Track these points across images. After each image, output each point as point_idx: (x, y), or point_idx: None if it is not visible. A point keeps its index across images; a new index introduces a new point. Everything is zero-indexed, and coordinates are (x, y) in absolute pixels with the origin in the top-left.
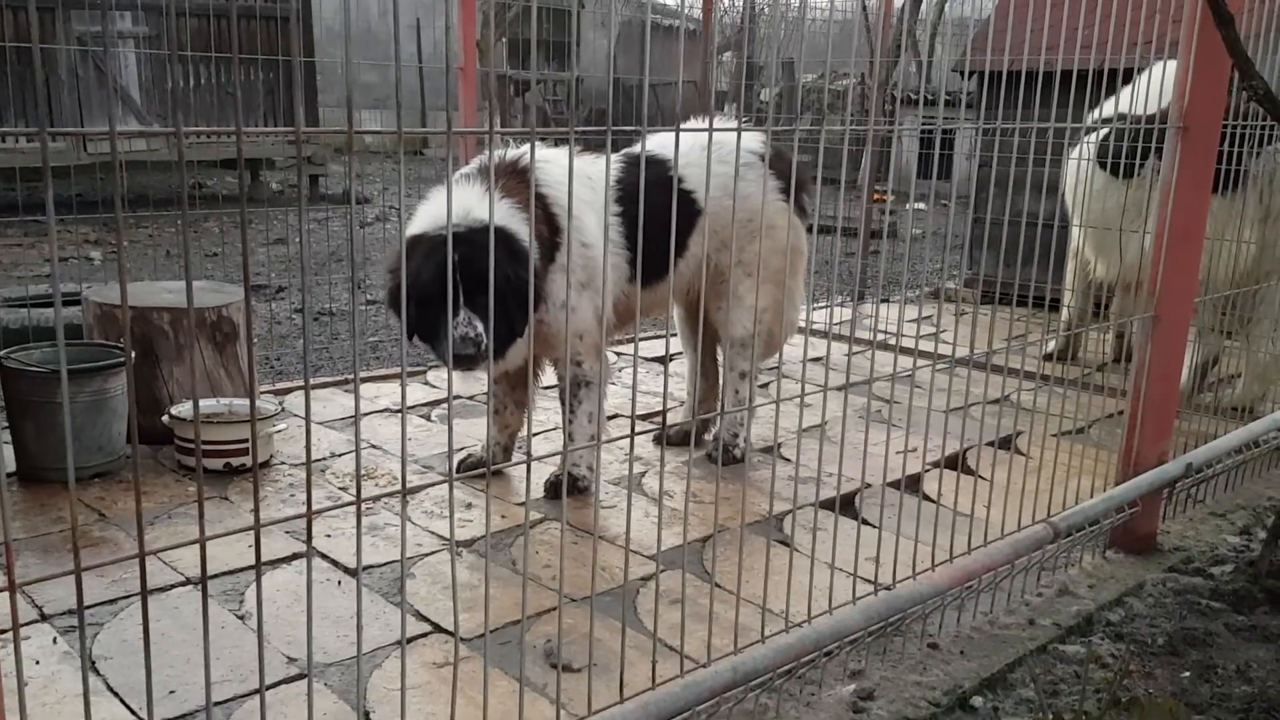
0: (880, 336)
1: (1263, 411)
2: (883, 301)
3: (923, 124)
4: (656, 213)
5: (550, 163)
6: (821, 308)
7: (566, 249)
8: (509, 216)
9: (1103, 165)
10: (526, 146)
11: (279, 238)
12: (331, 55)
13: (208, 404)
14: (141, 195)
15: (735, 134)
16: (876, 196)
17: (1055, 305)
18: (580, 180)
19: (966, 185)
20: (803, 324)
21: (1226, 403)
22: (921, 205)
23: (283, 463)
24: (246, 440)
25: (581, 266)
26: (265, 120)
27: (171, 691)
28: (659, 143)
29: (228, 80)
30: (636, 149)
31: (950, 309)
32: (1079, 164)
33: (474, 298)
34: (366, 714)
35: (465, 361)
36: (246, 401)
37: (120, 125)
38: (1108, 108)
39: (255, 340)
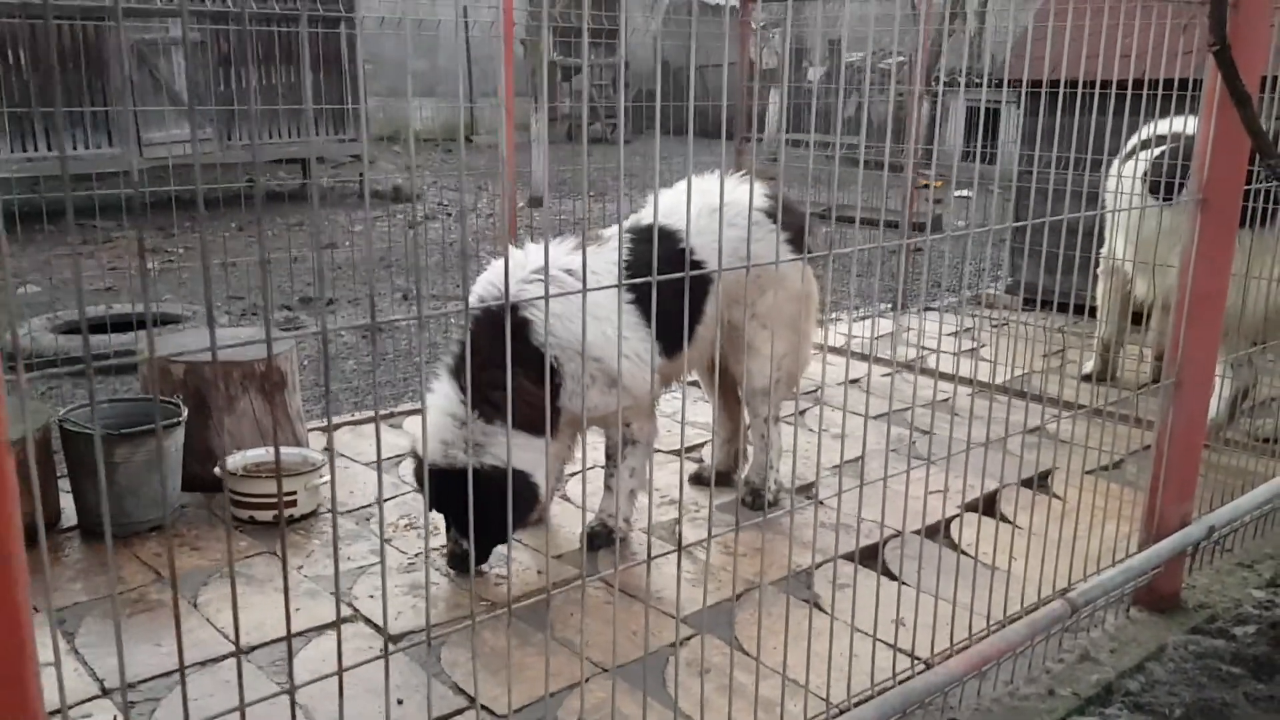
0: (917, 354)
1: None
2: (923, 310)
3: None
4: (671, 292)
5: (553, 285)
6: (861, 318)
7: (581, 371)
8: (489, 445)
9: (1153, 190)
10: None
11: (330, 242)
12: (378, 47)
13: (257, 453)
14: (194, 199)
15: (742, 192)
16: (923, 183)
17: (1095, 312)
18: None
19: (1009, 172)
20: (839, 342)
21: (1261, 434)
22: (967, 193)
23: (330, 511)
24: (295, 492)
25: (602, 374)
26: (315, 120)
27: None
28: (667, 208)
29: (278, 83)
30: (644, 218)
31: (989, 316)
32: (1119, 181)
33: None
34: None
35: (456, 568)
36: (295, 450)
37: (171, 129)
38: (1153, 128)
39: (304, 364)
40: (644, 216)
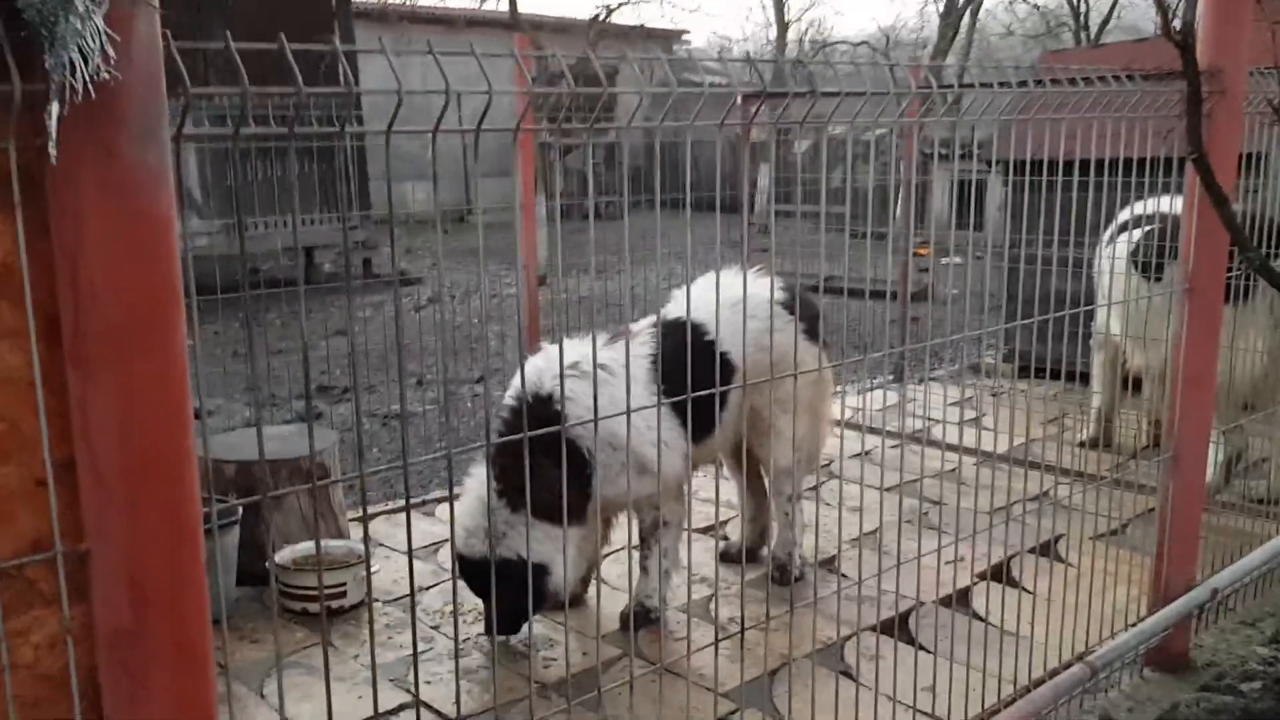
0: (921, 424)
1: None
2: (923, 382)
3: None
4: (697, 380)
5: (582, 390)
6: (867, 389)
7: (613, 461)
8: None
9: (1135, 265)
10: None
11: (339, 329)
12: (377, 129)
13: (305, 547)
14: (205, 286)
15: (765, 287)
16: (919, 251)
17: (1087, 379)
18: (620, 375)
19: (998, 235)
20: (850, 415)
21: (1255, 495)
22: (958, 259)
23: (377, 600)
24: (344, 583)
25: (635, 462)
26: (319, 208)
27: None
28: (693, 302)
29: (283, 176)
30: (670, 312)
31: (988, 384)
32: (1113, 260)
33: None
34: None
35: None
36: (341, 543)
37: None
38: (1143, 207)
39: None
40: (671, 311)
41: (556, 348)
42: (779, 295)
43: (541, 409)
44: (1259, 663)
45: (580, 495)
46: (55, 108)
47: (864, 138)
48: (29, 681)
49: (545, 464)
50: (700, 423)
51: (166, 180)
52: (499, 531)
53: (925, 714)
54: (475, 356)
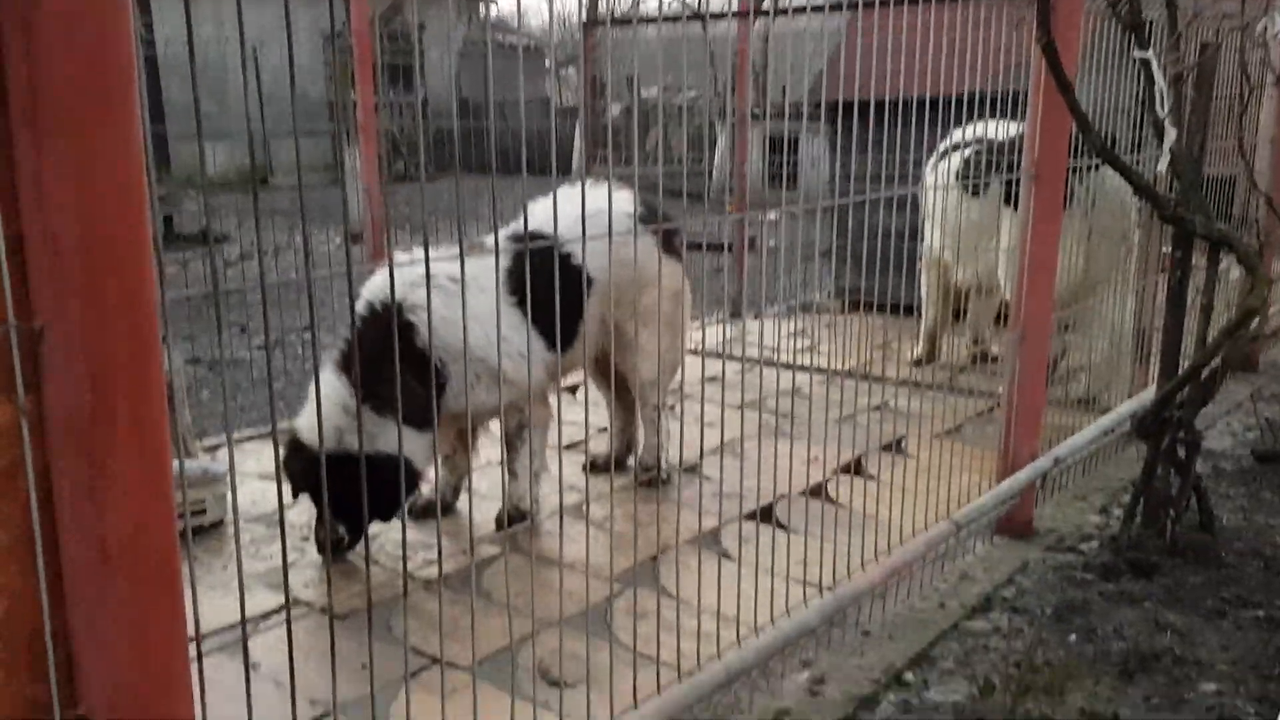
0: (764, 353)
1: (1104, 399)
2: (757, 318)
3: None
4: (551, 294)
5: (435, 293)
6: (709, 325)
7: (465, 372)
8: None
9: (964, 186)
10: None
11: None
12: (172, 88)
13: None
14: None
15: (624, 201)
16: (734, 208)
17: (915, 310)
18: (472, 288)
19: (815, 192)
20: (694, 346)
21: (1075, 395)
22: (772, 215)
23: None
24: (202, 500)
25: (487, 372)
26: None
27: None
28: (541, 218)
29: None
30: (521, 226)
31: (819, 319)
32: (937, 180)
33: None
34: None
35: (333, 553)
36: (196, 463)
37: None
38: (964, 132)
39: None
40: (520, 225)
41: (406, 256)
42: (631, 210)
43: (392, 316)
44: (1093, 528)
45: (428, 400)
46: None
47: (676, 101)
48: None
49: (404, 373)
50: (558, 334)
51: None
52: (356, 429)
53: (807, 583)
54: (299, 308)
